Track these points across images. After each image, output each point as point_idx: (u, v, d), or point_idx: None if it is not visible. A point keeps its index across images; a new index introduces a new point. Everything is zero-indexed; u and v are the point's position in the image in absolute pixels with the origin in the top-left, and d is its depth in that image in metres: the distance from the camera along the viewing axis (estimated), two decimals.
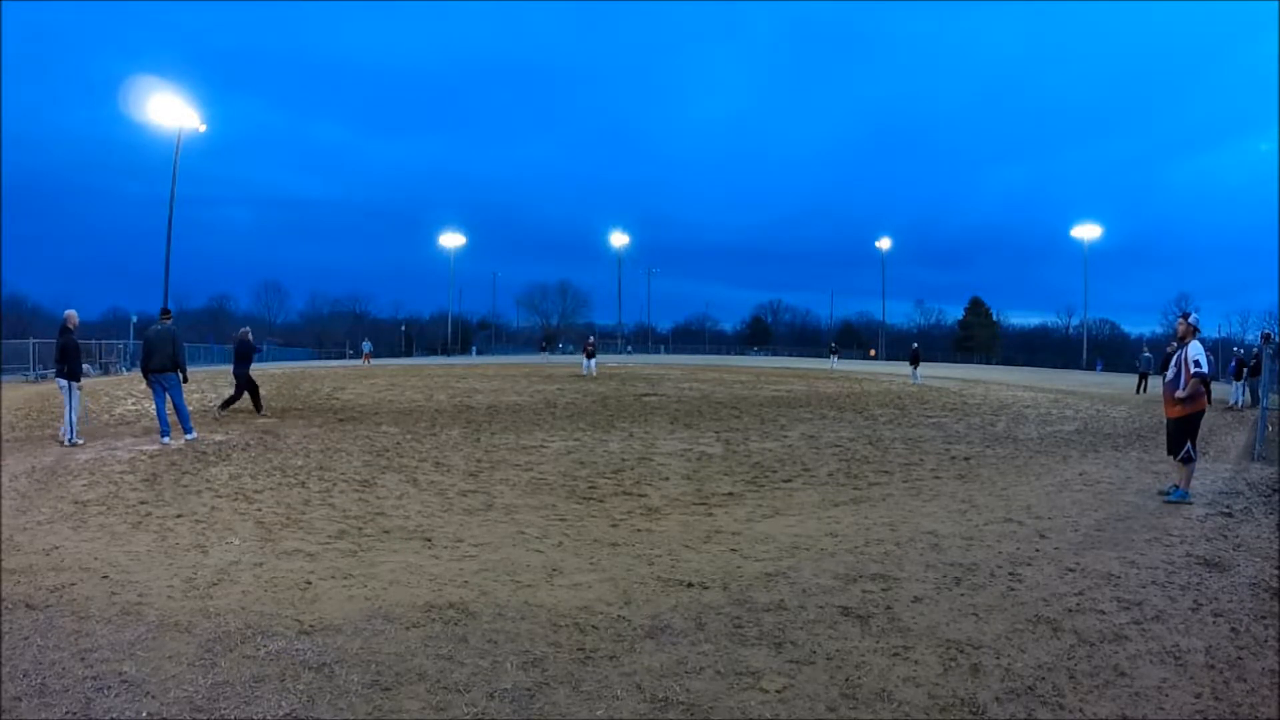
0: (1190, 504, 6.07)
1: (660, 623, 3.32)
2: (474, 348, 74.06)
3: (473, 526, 5.10)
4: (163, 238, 35.98)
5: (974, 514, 5.62)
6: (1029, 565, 4.28)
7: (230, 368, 13.89)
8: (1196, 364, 6.13)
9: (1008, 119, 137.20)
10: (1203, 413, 6.47)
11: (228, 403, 12.55)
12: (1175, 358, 6.39)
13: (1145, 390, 22.47)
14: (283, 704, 2.52)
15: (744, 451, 8.71)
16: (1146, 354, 26.03)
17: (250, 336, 13.30)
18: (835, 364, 40.10)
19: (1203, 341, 6.41)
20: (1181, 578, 4.08)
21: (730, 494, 6.31)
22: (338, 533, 4.87)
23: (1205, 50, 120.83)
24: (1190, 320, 6.41)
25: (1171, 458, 6.50)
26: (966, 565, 4.26)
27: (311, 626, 3.22)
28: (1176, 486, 6.34)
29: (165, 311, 9.94)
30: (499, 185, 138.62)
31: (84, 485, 6.34)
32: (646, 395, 17.59)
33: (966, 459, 8.36)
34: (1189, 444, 6.25)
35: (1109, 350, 60.00)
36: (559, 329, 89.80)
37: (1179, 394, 6.27)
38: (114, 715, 2.44)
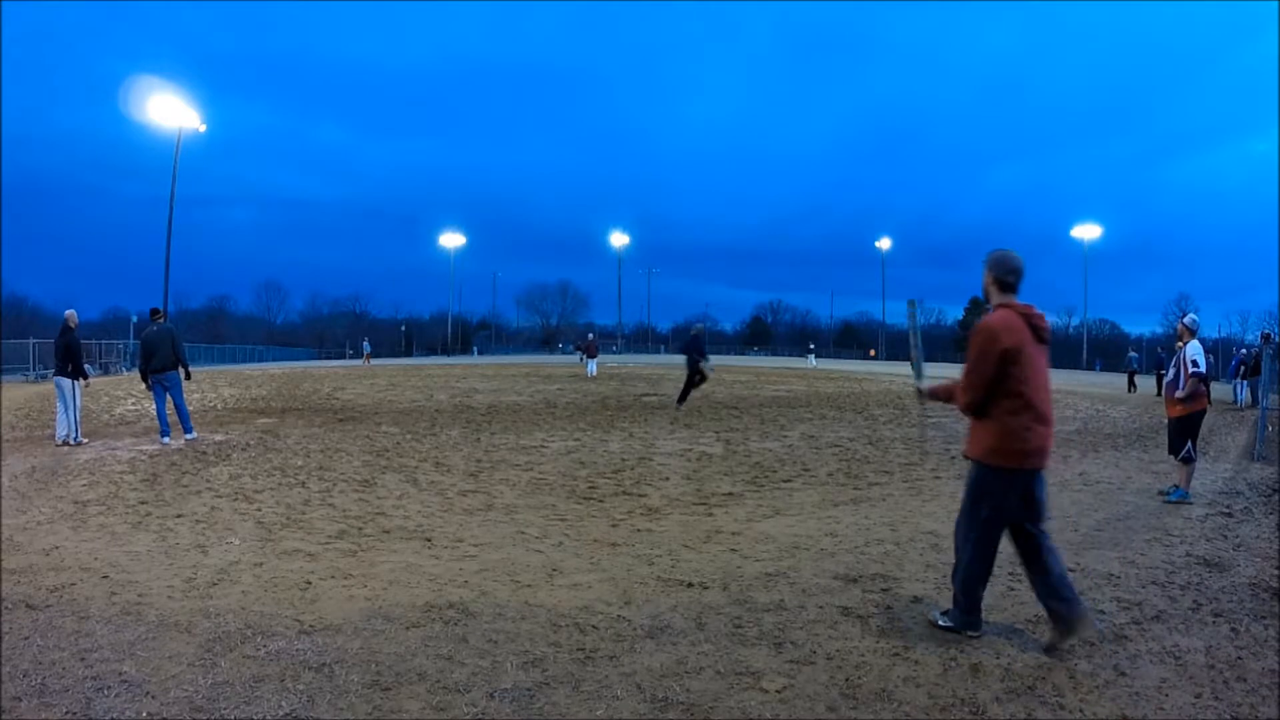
0: (1190, 504, 6.07)
1: (660, 623, 3.32)
2: (475, 348, 74.07)
3: (473, 526, 5.10)
4: (162, 238, 36.06)
5: None
6: None
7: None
8: (1195, 364, 6.15)
9: (1008, 119, 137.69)
10: (1204, 412, 6.47)
11: (683, 392, 14.16)
12: (1174, 359, 6.41)
13: (1135, 389, 22.54)
14: (283, 704, 2.52)
15: (744, 451, 8.71)
16: (1132, 353, 26.16)
17: (702, 334, 14.92)
18: (813, 363, 40.79)
19: (1202, 342, 6.43)
20: (1181, 578, 4.08)
21: (730, 494, 6.31)
22: (338, 533, 4.87)
23: (1205, 50, 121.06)
24: (1186, 321, 6.43)
25: (1172, 457, 6.51)
26: None
27: (311, 626, 3.22)
28: (1176, 486, 6.35)
29: (156, 311, 9.93)
30: (499, 185, 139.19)
31: (84, 485, 6.34)
32: (646, 395, 17.59)
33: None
34: (1189, 444, 6.25)
35: (1109, 350, 59.94)
36: (559, 329, 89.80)
37: (1179, 394, 6.28)
38: (114, 715, 2.44)
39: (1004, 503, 3.15)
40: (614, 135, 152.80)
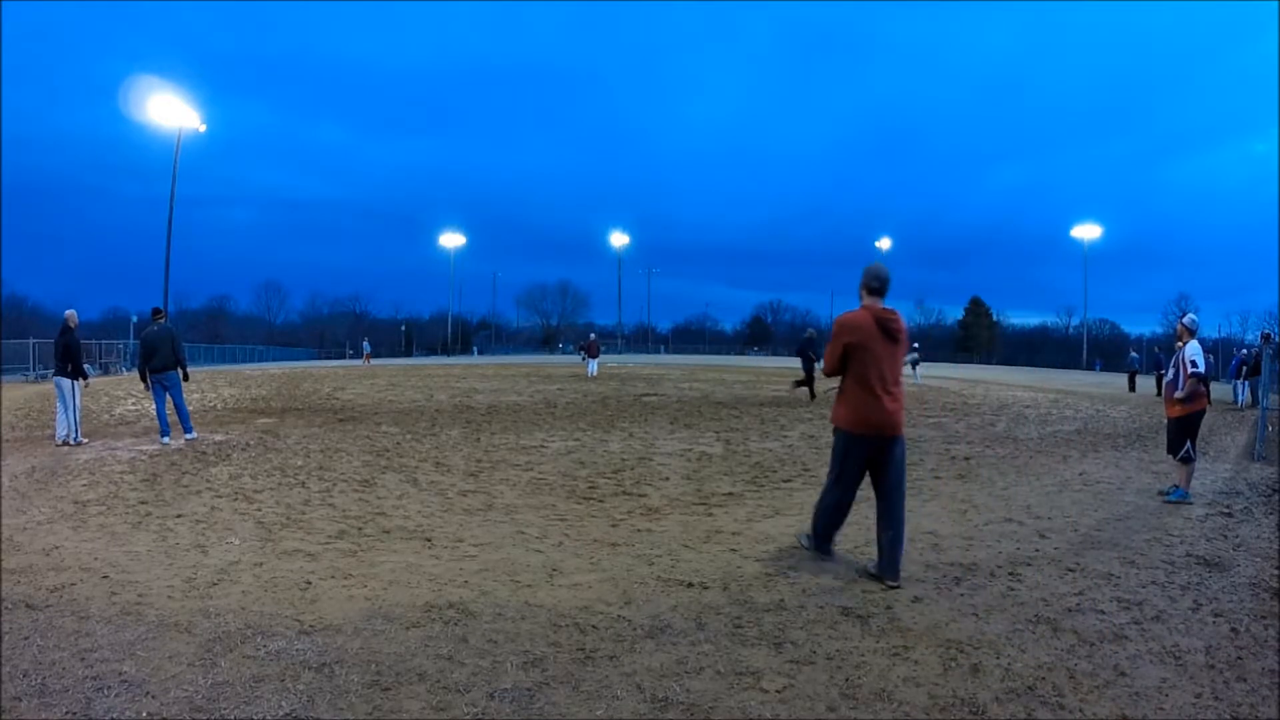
0: (1190, 504, 6.07)
1: (660, 623, 3.32)
2: (475, 348, 74.10)
3: (473, 526, 5.10)
4: (163, 238, 36.04)
5: (974, 514, 5.62)
6: (1029, 565, 4.28)
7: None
8: (1194, 364, 6.15)
9: (1008, 119, 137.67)
10: (1203, 412, 6.47)
11: (809, 389, 16.51)
12: (1174, 359, 6.42)
13: (1134, 389, 22.60)
14: (283, 704, 2.52)
15: (744, 451, 8.71)
16: (1133, 354, 26.21)
17: (814, 338, 17.13)
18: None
19: (1202, 342, 6.43)
20: (1181, 578, 4.08)
21: (730, 494, 6.31)
22: (338, 533, 4.87)
23: (1205, 50, 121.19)
24: (1185, 322, 6.45)
25: (1171, 457, 6.51)
26: (966, 565, 4.26)
27: (311, 626, 3.22)
28: (1176, 486, 6.34)
29: (157, 311, 9.93)
30: (499, 185, 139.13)
31: (84, 485, 6.34)
32: (646, 395, 17.58)
33: (966, 459, 8.36)
34: (1189, 444, 6.25)
35: (1109, 350, 59.95)
36: (559, 329, 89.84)
37: (1178, 394, 6.29)
38: (114, 715, 2.44)
39: (860, 458, 4.05)
40: (614, 135, 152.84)
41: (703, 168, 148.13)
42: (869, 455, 4.02)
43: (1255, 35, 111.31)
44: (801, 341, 17.69)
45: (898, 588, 3.83)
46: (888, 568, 3.94)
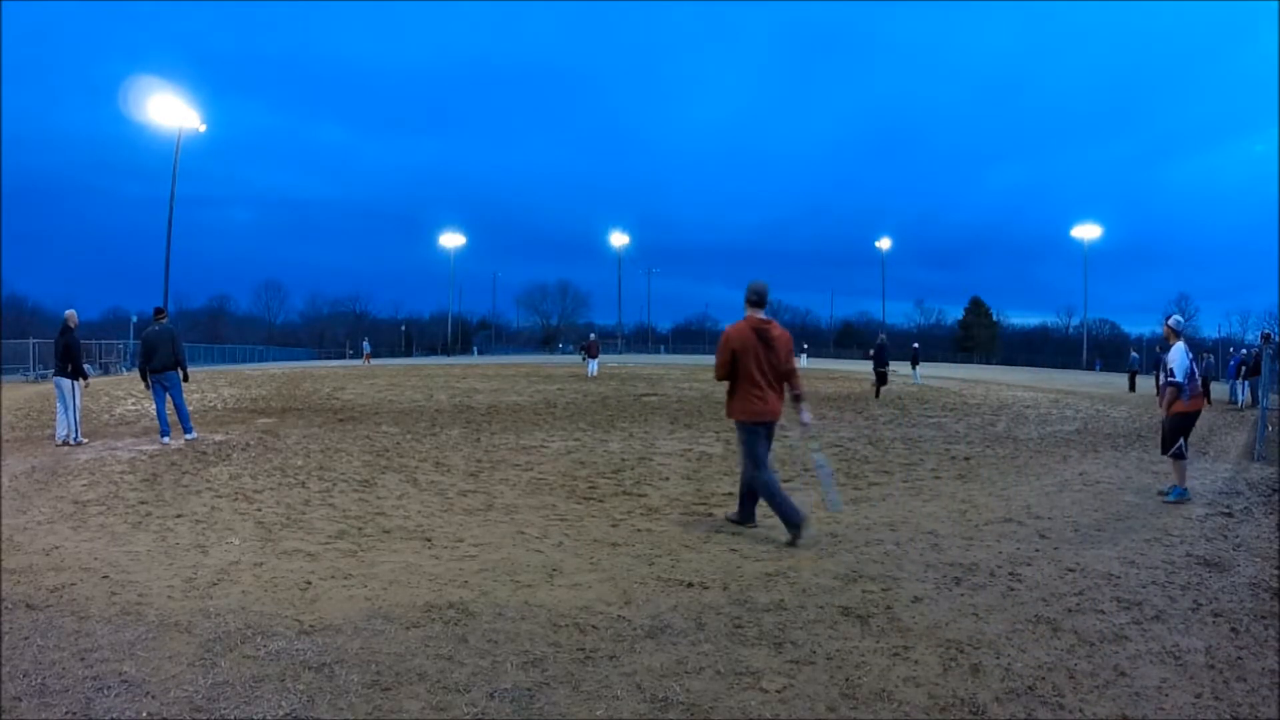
0: (1190, 503, 6.07)
1: (660, 623, 3.32)
2: (475, 348, 74.11)
3: (473, 526, 5.10)
4: (163, 238, 36.06)
5: (974, 514, 5.62)
6: (1029, 565, 4.28)
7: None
8: (1171, 373, 6.19)
9: (1008, 119, 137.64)
10: (1198, 412, 6.49)
11: (877, 387, 19.02)
12: (1161, 360, 6.46)
13: (1134, 389, 22.64)
14: (283, 704, 2.52)
15: None
16: (1133, 354, 26.25)
17: (885, 345, 19.89)
18: (805, 363, 41.18)
19: (1198, 342, 6.48)
20: (1181, 578, 4.08)
21: (730, 494, 6.30)
22: (338, 533, 4.87)
23: (1205, 50, 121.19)
24: (1170, 323, 6.46)
25: (1164, 455, 6.52)
26: (966, 565, 4.26)
27: (311, 626, 3.22)
28: (1175, 486, 6.34)
29: (159, 311, 9.92)
30: (499, 185, 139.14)
31: (84, 485, 6.34)
32: (646, 395, 17.58)
33: (966, 459, 8.36)
34: (1181, 441, 6.25)
35: (1109, 350, 59.94)
36: (559, 329, 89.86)
37: (1160, 405, 6.40)
38: (114, 715, 2.44)
39: (758, 441, 4.81)
40: (614, 135, 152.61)
41: (703, 168, 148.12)
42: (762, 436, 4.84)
43: (1255, 35, 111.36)
44: (875, 346, 20.38)
45: (755, 527, 4.95)
46: (747, 517, 5.10)
